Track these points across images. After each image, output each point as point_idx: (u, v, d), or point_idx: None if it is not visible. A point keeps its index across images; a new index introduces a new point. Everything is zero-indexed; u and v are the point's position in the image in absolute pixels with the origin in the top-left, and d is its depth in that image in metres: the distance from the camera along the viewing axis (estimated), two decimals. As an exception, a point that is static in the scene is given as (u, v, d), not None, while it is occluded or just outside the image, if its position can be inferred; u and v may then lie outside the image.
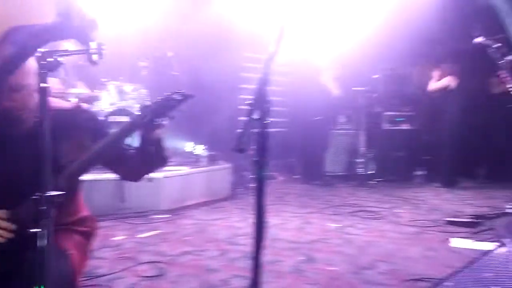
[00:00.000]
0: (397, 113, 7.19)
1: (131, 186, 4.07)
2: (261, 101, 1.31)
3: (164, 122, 1.68)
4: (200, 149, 5.52)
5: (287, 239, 3.54)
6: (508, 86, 4.17)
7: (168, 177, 4.33)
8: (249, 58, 7.01)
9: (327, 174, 6.86)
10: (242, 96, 6.83)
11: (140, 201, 4.21)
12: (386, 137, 7.07)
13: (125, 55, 5.66)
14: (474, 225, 3.91)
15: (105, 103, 4.91)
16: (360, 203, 5.07)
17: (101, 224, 3.78)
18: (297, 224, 4.05)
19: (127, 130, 1.68)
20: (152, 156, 1.75)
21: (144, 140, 1.72)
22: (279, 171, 7.17)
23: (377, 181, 6.74)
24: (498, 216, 4.30)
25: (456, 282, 2.09)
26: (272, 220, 4.13)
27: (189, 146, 6.13)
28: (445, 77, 6.45)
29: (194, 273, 2.79)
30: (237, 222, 4.03)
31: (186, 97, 1.67)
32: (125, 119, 4.79)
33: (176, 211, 4.32)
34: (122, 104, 4.96)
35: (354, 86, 7.32)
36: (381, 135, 7.06)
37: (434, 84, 6.58)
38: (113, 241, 3.39)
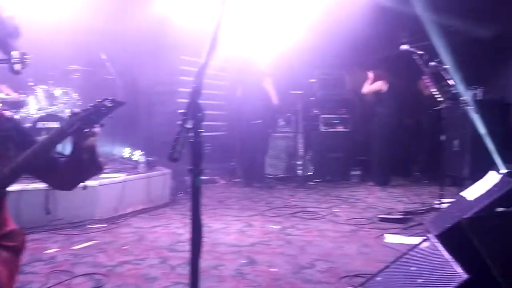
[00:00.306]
0: (333, 116, 7.45)
1: (64, 196, 3.85)
2: (194, 111, 1.31)
3: (96, 129, 1.61)
4: (137, 155, 5.36)
5: (228, 243, 3.53)
6: (432, 90, 4.48)
7: (103, 184, 4.15)
8: (187, 61, 6.94)
9: (267, 176, 6.95)
10: (180, 100, 6.75)
11: (74, 210, 3.99)
12: (323, 139, 7.29)
13: (55, 58, 5.38)
14: (405, 221, 4.15)
15: (33, 108, 4.63)
16: (300, 204, 5.19)
17: (32, 237, 3.58)
18: (239, 227, 4.06)
19: (56, 138, 1.60)
20: (85, 164, 1.67)
21: (76, 148, 1.64)
22: (220, 175, 7.15)
23: (315, 182, 6.94)
24: (426, 211, 4.60)
25: (385, 277, 2.19)
26: (214, 224, 4.11)
27: (126, 152, 5.95)
28: (377, 80, 6.78)
29: (133, 282, 2.70)
30: (178, 229, 3.95)
31: (117, 104, 1.62)
32: (55, 125, 4.55)
33: (113, 220, 4.15)
34: (52, 109, 4.70)
35: (292, 89, 7.51)
36: (318, 137, 7.27)
37: (367, 87, 6.90)
38: (45, 254, 3.20)
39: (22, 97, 4.67)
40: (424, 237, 2.23)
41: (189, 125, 1.29)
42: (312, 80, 7.58)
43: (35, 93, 4.70)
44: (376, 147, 6.78)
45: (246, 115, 6.68)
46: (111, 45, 5.66)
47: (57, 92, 4.84)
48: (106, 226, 3.96)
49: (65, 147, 1.79)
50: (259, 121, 6.56)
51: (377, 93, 6.80)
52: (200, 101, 1.36)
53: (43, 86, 4.76)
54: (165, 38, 6.14)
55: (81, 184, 1.84)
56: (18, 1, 4.91)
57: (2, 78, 4.59)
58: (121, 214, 4.33)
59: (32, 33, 5.11)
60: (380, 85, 6.74)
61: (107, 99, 1.60)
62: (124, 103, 1.64)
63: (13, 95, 4.47)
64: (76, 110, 1.63)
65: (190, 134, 1.31)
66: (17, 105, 4.60)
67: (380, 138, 6.71)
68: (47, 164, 1.69)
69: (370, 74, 6.82)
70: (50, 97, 4.76)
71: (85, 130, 1.58)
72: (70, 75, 5.30)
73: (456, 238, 2.28)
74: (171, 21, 5.89)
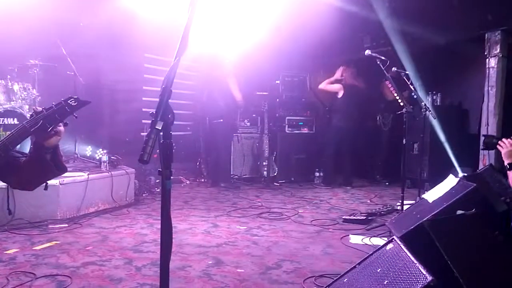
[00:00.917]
0: (298, 118, 7.55)
1: (24, 194, 3.70)
2: (164, 112, 1.29)
3: (59, 129, 1.57)
4: (100, 153, 5.22)
5: (195, 244, 3.51)
6: (393, 94, 4.62)
7: (65, 183, 4.02)
8: (151, 59, 6.83)
9: (233, 176, 6.95)
10: (144, 98, 6.63)
11: (35, 210, 3.85)
12: (288, 140, 7.37)
13: (14, 52, 5.16)
14: (368, 222, 4.26)
15: (-10, 103, 4.42)
16: (265, 205, 5.22)
17: (-11, 238, 3.41)
18: (205, 228, 4.04)
19: (18, 136, 1.54)
20: (47, 165, 1.61)
21: (38, 147, 1.58)
22: (185, 174, 7.08)
23: (280, 182, 7.00)
24: (388, 212, 4.75)
25: (351, 278, 2.24)
26: (180, 225, 4.07)
27: (88, 150, 5.78)
28: (341, 80, 6.93)
29: (98, 284, 2.63)
30: (142, 229, 3.88)
31: (82, 103, 1.58)
32: (13, 121, 4.37)
33: (75, 220, 4.03)
34: (9, 105, 4.50)
35: (258, 90, 7.55)
36: (283, 138, 7.34)
37: (325, 84, 7.03)
38: (5, 255, 3.07)
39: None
40: (389, 239, 2.28)
41: (159, 126, 1.26)
42: (277, 82, 7.65)
43: (-8, 88, 4.49)
44: (330, 151, 6.95)
45: (209, 114, 6.69)
46: (73, 40, 5.49)
47: (16, 87, 4.63)
48: (68, 226, 3.84)
49: (25, 146, 1.73)
50: (220, 120, 6.56)
51: (332, 95, 6.95)
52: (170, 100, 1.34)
53: (1, 81, 4.54)
54: (129, 35, 6.01)
55: (42, 185, 1.77)
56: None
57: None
58: (83, 214, 4.22)
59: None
60: (338, 89, 6.88)
61: (71, 97, 1.56)
62: (89, 102, 1.61)
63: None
64: (39, 108, 1.57)
65: (160, 136, 1.30)
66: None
67: (333, 142, 6.90)
68: (7, 163, 1.62)
69: (338, 71, 6.95)
70: (8, 92, 4.56)
71: (48, 129, 1.53)
72: (30, 70, 5.08)
73: (419, 240, 2.37)
74: (136, 18, 5.77)
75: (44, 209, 3.88)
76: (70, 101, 1.57)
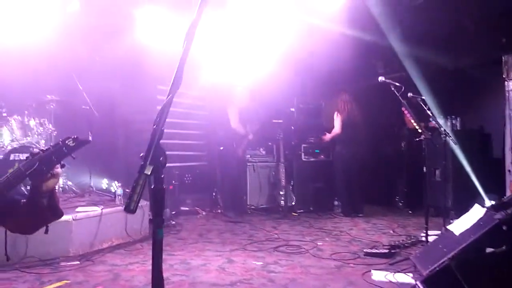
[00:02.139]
0: (314, 145, 7.43)
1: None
2: (154, 155, 1.19)
3: (57, 171, 1.50)
4: (116, 186, 5.19)
5: (208, 282, 3.37)
6: (411, 120, 4.48)
7: (78, 219, 3.96)
8: (164, 91, 6.86)
9: (249, 207, 6.82)
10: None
11: (47, 247, 3.79)
12: (305, 168, 7.23)
13: (31, 88, 5.25)
14: (391, 256, 4.05)
15: (6, 139, 4.45)
16: (283, 237, 5.05)
17: (1, 276, 3.35)
18: (219, 263, 3.89)
19: (13, 179, 1.47)
20: (43, 209, 1.54)
21: (34, 191, 1.51)
22: (201, 206, 6.97)
23: (298, 212, 6.83)
24: (412, 244, 4.52)
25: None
26: (193, 261, 3.94)
27: (104, 183, 5.76)
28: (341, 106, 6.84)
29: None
30: (156, 266, 3.76)
31: (81, 143, 1.51)
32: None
33: (87, 256, 3.94)
34: (25, 140, 4.52)
35: (273, 118, 7.49)
36: (300, 166, 7.21)
37: (328, 136, 6.99)
38: (12, 296, 2.98)
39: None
40: (412, 285, 2.13)
41: (148, 171, 1.16)
42: (292, 109, 7.59)
43: (9, 124, 4.53)
44: (337, 179, 6.82)
45: (218, 143, 6.73)
46: (88, 74, 5.56)
47: (32, 122, 4.67)
48: (79, 263, 3.75)
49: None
50: (221, 148, 6.60)
51: (336, 136, 6.86)
52: (161, 143, 1.24)
53: (17, 117, 4.59)
54: (142, 68, 6.08)
55: (41, 229, 1.69)
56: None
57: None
58: (96, 250, 4.14)
59: (6, 62, 5.02)
60: (334, 131, 6.83)
61: (69, 137, 1.50)
62: (88, 141, 1.55)
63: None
64: (36, 149, 1.51)
65: (150, 181, 1.20)
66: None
67: (339, 170, 6.76)
68: (4, 207, 1.56)
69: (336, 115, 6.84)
70: (25, 128, 4.60)
71: (44, 172, 1.46)
72: (46, 105, 5.14)
73: (445, 281, 2.21)
74: (149, 51, 5.85)
75: (56, 246, 3.81)
76: (68, 142, 1.51)
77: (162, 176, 1.22)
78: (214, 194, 7.27)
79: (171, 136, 6.99)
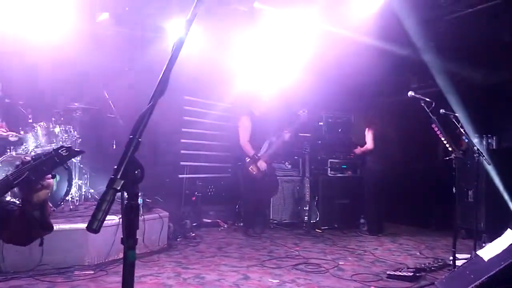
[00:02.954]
0: (341, 160, 7.25)
1: (52, 238, 3.66)
2: (127, 168, 1.08)
3: (47, 182, 1.44)
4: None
5: (221, 299, 3.27)
6: (442, 138, 4.26)
7: (95, 228, 3.95)
8: (190, 101, 6.88)
9: (272, 221, 6.69)
10: (183, 140, 6.64)
11: (63, 255, 3.79)
12: (331, 184, 7.05)
13: (60, 96, 5.37)
14: (415, 280, 3.83)
15: (31, 145, 4.54)
16: (303, 255, 4.90)
17: (14, 283, 3.36)
18: (234, 279, 3.78)
19: (0, 189, 1.42)
20: (33, 222, 1.48)
21: (25, 203, 1.46)
22: (223, 218, 6.89)
23: (322, 229, 6.64)
24: (439, 268, 4.27)
25: None
26: (209, 275, 3.85)
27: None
28: (368, 127, 6.62)
29: None
30: (169, 279, 3.69)
31: (74, 153, 1.45)
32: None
33: (102, 266, 3.91)
34: (50, 147, 4.59)
35: (300, 132, 7.36)
36: (326, 182, 7.03)
37: (359, 150, 6.79)
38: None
39: (21, 134, 4.59)
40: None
41: (117, 186, 1.05)
42: (320, 123, 7.45)
43: (34, 130, 4.62)
44: (367, 196, 6.58)
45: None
46: (115, 84, 5.64)
47: (57, 129, 4.75)
48: (93, 273, 3.72)
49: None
50: (238, 163, 6.34)
51: (367, 151, 6.64)
52: (136, 156, 1.13)
53: (43, 123, 4.68)
54: (170, 77, 6.11)
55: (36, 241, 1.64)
56: (24, 41, 4.98)
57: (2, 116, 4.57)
58: (112, 260, 4.11)
59: (37, 70, 5.16)
60: (366, 147, 6.63)
61: (62, 147, 1.44)
62: (83, 152, 1.49)
63: (9, 133, 4.40)
64: (27, 158, 1.46)
65: (122, 197, 1.10)
66: (16, 142, 4.52)
67: (369, 187, 6.52)
68: None
69: (368, 130, 6.64)
70: (49, 134, 4.68)
71: (33, 182, 1.40)
72: (73, 112, 5.23)
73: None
74: (177, 62, 5.86)
75: (72, 254, 3.81)
76: (61, 151, 1.45)
77: (137, 191, 1.12)
78: (237, 206, 7.18)
79: (196, 146, 6.99)
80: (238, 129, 6.24)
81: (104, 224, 3.49)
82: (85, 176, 5.32)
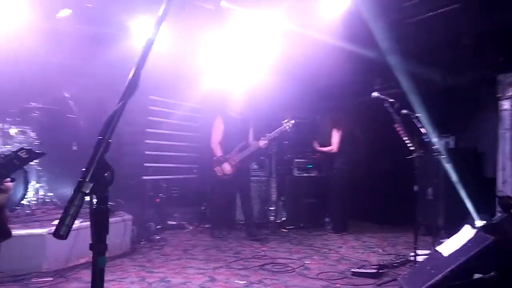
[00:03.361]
0: (307, 160, 7.32)
1: (8, 244, 3.49)
2: (97, 171, 1.04)
3: (5, 185, 1.36)
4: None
5: (187, 302, 3.22)
6: (404, 138, 4.38)
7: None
8: (155, 101, 6.76)
9: (238, 222, 6.66)
10: (147, 141, 6.51)
11: (19, 262, 3.61)
12: (297, 184, 7.10)
13: (14, 95, 5.13)
14: (378, 276, 3.92)
15: (-15, 147, 4.32)
16: (270, 255, 4.90)
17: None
18: (201, 282, 3.73)
19: None
20: None
21: None
22: (189, 220, 6.81)
23: (288, 229, 6.68)
24: (401, 264, 4.39)
25: None
26: (174, 279, 3.79)
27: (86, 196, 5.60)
28: (335, 127, 6.72)
29: None
30: (132, 284, 3.60)
31: (34, 155, 1.38)
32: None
33: (61, 273, 3.76)
34: (5, 148, 4.38)
35: (266, 132, 7.36)
36: (292, 182, 7.08)
37: (320, 148, 6.92)
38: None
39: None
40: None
41: (86, 189, 1.02)
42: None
43: (-12, 132, 4.40)
44: (333, 195, 6.68)
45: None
46: (77, 83, 5.45)
47: (13, 130, 4.54)
48: (52, 280, 3.58)
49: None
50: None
51: (330, 152, 6.75)
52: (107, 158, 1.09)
53: (-3, 125, 4.47)
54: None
55: None
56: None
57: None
58: (72, 266, 3.96)
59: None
60: (330, 148, 6.74)
61: (22, 149, 1.37)
62: (43, 154, 1.42)
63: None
64: None
65: (91, 201, 1.06)
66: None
67: (337, 187, 6.62)
68: None
69: (334, 131, 6.72)
70: (4, 136, 4.46)
71: None
72: (30, 112, 5.01)
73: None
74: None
75: (29, 261, 3.65)
76: (21, 153, 1.38)
77: (107, 195, 1.08)
78: (203, 208, 7.12)
79: (162, 147, 6.86)
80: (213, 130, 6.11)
81: (63, 229, 3.32)
82: (43, 178, 5.12)
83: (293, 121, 5.88)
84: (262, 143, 5.81)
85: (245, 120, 6.02)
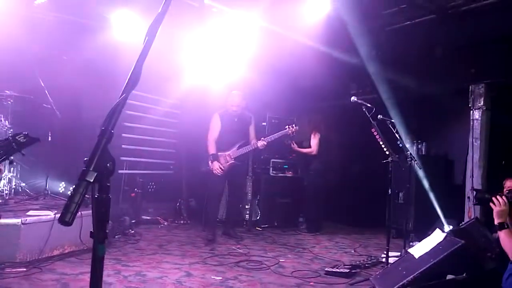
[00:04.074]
0: (283, 160, 7.41)
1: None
2: (100, 160, 1.07)
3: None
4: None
5: (163, 296, 3.22)
6: (380, 142, 4.51)
7: (28, 223, 3.73)
8: (135, 96, 6.69)
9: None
10: (124, 135, 6.45)
11: (-9, 251, 3.54)
12: (272, 183, 7.18)
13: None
14: (351, 276, 4.03)
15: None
16: (245, 252, 4.95)
17: None
18: (177, 277, 3.74)
19: None
20: None
21: None
22: (164, 216, 6.78)
23: (263, 227, 6.75)
24: (373, 265, 4.52)
25: None
26: (150, 273, 3.78)
27: (62, 187, 5.51)
28: (313, 129, 6.82)
29: None
30: (108, 277, 3.56)
31: (31, 140, 1.39)
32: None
33: (35, 264, 3.70)
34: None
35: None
36: (267, 181, 7.16)
37: (297, 148, 6.97)
38: None
39: None
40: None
41: (90, 178, 1.04)
42: (264, 124, 7.55)
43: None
44: (309, 196, 6.79)
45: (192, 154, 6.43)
46: (52, 72, 5.34)
47: (-14, 118, 4.42)
48: (26, 270, 3.52)
49: None
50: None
51: (308, 154, 6.84)
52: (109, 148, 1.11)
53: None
54: (113, 70, 5.90)
55: None
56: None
57: None
58: (46, 257, 3.90)
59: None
60: (310, 151, 6.80)
61: (20, 133, 1.37)
62: (38, 140, 1.42)
63: None
64: None
65: (93, 190, 1.08)
66: None
67: (312, 188, 6.73)
68: None
69: (313, 134, 6.83)
70: (-23, 123, 4.34)
71: None
72: (4, 100, 4.89)
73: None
74: (120, 53, 5.68)
75: (2, 251, 3.57)
76: (19, 138, 1.38)
77: (108, 184, 1.10)
78: (178, 204, 7.10)
79: (139, 142, 6.81)
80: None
81: (37, 220, 3.34)
82: (16, 168, 5.00)
83: (296, 128, 5.71)
84: (261, 143, 5.61)
85: (243, 118, 5.77)
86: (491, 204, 2.74)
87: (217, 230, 5.85)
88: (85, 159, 1.09)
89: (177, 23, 5.98)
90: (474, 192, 3.12)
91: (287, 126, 5.75)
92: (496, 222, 2.69)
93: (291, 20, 5.83)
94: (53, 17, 5.67)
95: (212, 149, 5.61)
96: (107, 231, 1.10)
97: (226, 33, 6.17)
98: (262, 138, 5.71)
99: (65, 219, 0.98)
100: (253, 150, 5.85)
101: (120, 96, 1.16)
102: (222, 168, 5.52)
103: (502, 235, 2.63)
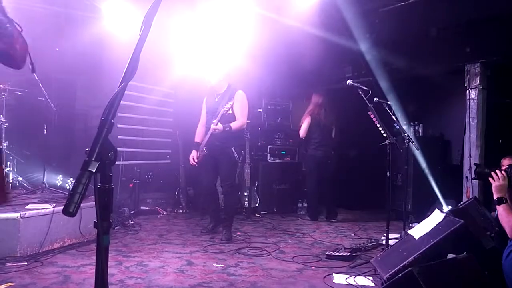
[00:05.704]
0: (280, 146, 7.41)
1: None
2: (102, 150, 1.06)
3: None
4: (71, 183, 4.94)
5: (166, 285, 3.22)
6: (377, 125, 4.50)
7: (27, 217, 3.71)
8: (130, 86, 6.63)
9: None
10: (120, 125, 6.40)
11: (-9, 246, 3.53)
12: (270, 169, 7.19)
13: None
14: (352, 259, 4.05)
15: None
16: (245, 239, 4.97)
17: None
18: (178, 266, 3.75)
19: None
20: None
21: None
22: (162, 205, 6.78)
23: (262, 214, 6.77)
24: (373, 247, 4.55)
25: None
26: (152, 263, 3.79)
27: (59, 180, 5.49)
28: (315, 105, 6.75)
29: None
30: (110, 268, 3.56)
31: None
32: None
33: (36, 257, 3.70)
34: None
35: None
36: (265, 167, 7.16)
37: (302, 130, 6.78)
38: None
39: None
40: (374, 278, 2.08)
41: (92, 168, 1.03)
42: (260, 110, 7.53)
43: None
44: (308, 182, 6.76)
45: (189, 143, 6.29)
46: (46, 65, 5.26)
47: (-20, 112, 4.37)
48: (27, 264, 3.51)
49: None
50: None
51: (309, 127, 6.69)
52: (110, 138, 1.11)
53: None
54: (106, 61, 5.83)
55: None
56: None
57: None
58: (46, 250, 3.89)
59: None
60: (305, 125, 6.61)
61: None
62: None
63: None
64: None
65: (95, 180, 1.07)
66: None
67: (311, 173, 6.68)
68: None
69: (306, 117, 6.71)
70: (-29, 118, 4.29)
71: None
72: (-3, 94, 4.84)
73: (407, 286, 2.19)
74: (113, 44, 5.61)
75: (2, 245, 3.55)
76: None
77: (110, 174, 1.09)
78: (176, 193, 7.10)
79: (135, 132, 6.76)
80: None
81: (36, 214, 3.32)
82: (13, 162, 4.97)
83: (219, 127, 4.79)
84: (212, 128, 4.78)
85: (224, 96, 5.02)
86: (490, 178, 2.74)
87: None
88: (87, 149, 1.07)
89: (168, 10, 5.90)
90: (474, 166, 3.12)
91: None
92: (495, 196, 2.69)
93: (284, 4, 5.77)
94: (44, 8, 5.58)
95: (196, 137, 5.16)
96: (111, 220, 1.09)
97: (219, 19, 6.09)
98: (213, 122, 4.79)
99: (69, 210, 0.98)
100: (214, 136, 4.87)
101: (119, 86, 1.14)
102: (195, 159, 5.02)
103: (500, 209, 2.64)
